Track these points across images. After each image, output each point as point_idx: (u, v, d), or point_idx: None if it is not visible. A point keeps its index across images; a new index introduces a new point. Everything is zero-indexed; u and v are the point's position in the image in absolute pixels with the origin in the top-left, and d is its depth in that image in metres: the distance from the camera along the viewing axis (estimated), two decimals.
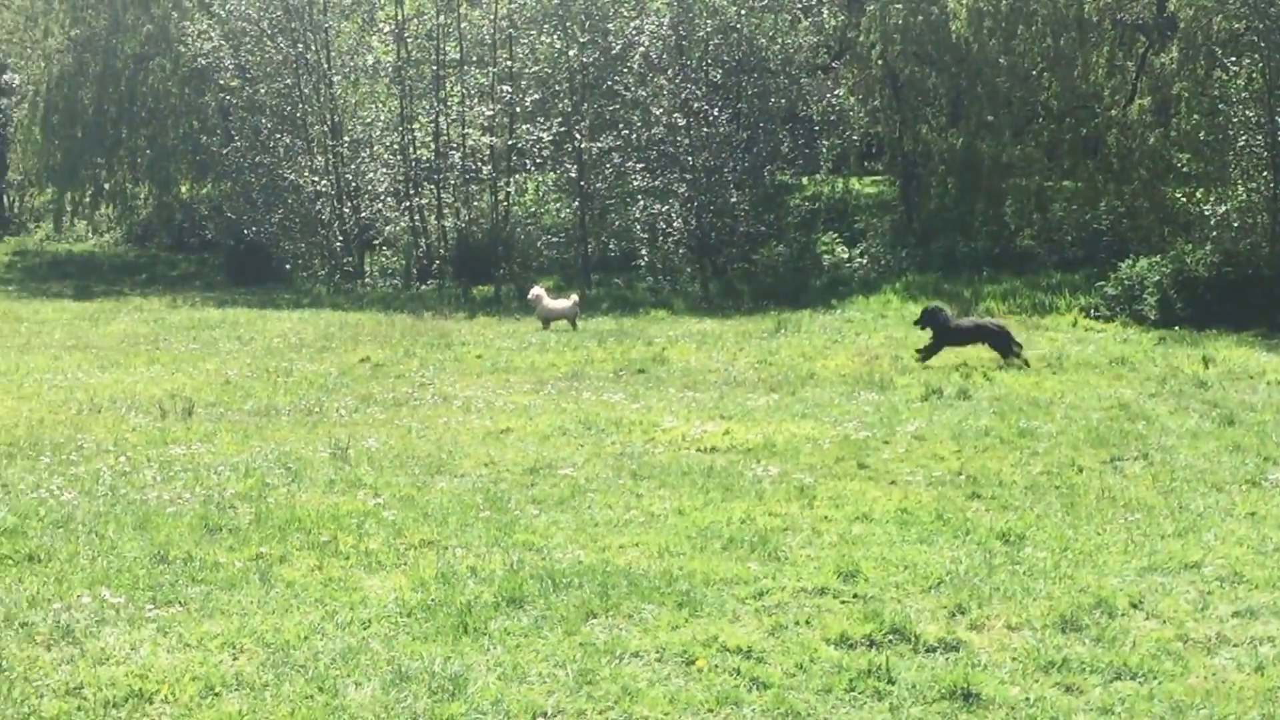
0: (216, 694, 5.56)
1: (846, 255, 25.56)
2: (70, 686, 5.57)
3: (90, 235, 40.53)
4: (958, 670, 5.85)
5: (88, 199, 38.53)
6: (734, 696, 5.60)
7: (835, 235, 26.39)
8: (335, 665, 5.87)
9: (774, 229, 25.67)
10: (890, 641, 6.23)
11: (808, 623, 6.49)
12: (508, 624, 6.43)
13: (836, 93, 28.03)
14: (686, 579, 7.11)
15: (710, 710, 5.50)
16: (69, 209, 39.45)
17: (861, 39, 27.42)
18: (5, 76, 39.41)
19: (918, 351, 15.41)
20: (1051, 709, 5.53)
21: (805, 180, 29.78)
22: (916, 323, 15.87)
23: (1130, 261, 20.20)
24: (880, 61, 27.02)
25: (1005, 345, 15.19)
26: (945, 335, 15.34)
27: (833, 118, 28.22)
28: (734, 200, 25.70)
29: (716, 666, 5.93)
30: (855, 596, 6.88)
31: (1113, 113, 25.71)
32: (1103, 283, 20.56)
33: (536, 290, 20.05)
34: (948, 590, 6.95)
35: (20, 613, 6.44)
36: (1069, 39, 25.59)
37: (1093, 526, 8.24)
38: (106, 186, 37.86)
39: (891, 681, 5.76)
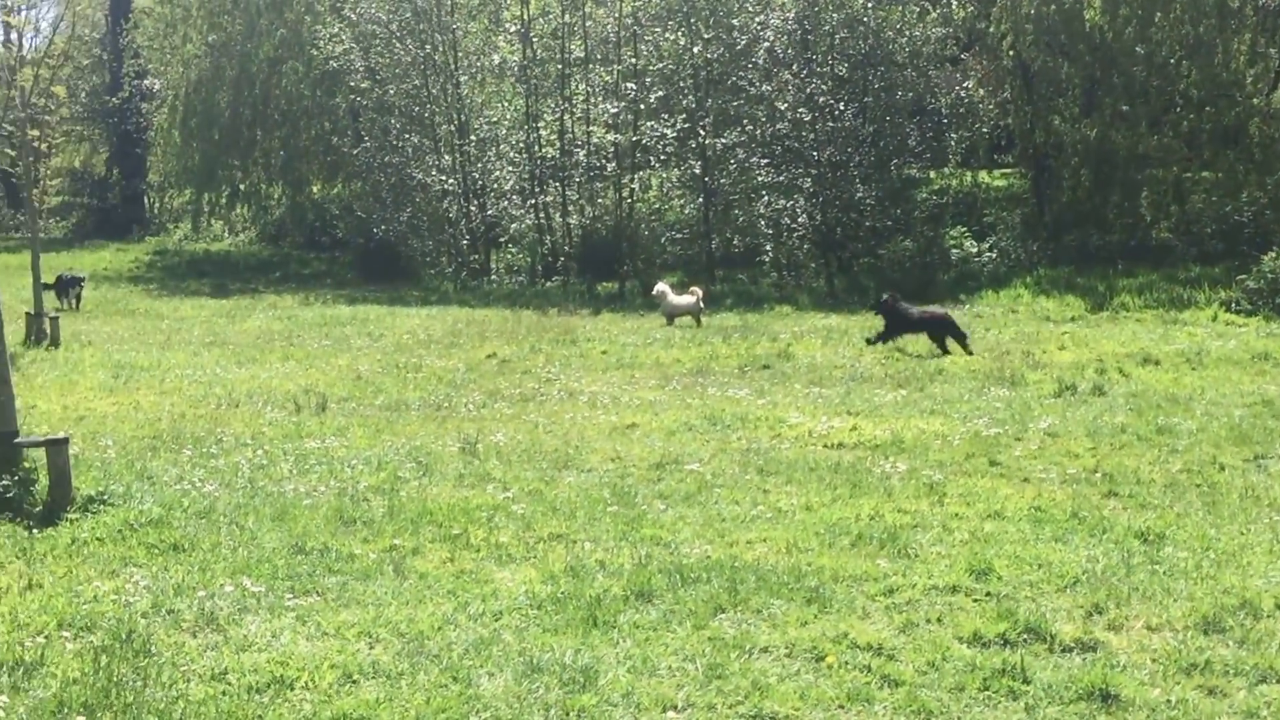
0: (354, 682, 5.66)
1: (975, 249, 25.18)
2: (215, 672, 5.71)
3: (226, 235, 41.62)
4: (1096, 671, 5.72)
5: (224, 200, 39.58)
6: (865, 694, 5.54)
7: (963, 229, 26.01)
8: (468, 655, 5.93)
9: (900, 223, 25.40)
10: (1025, 641, 6.11)
11: (939, 620, 6.39)
12: (637, 617, 6.43)
13: (965, 85, 27.62)
14: (815, 575, 7.04)
15: (841, 707, 5.45)
16: (206, 209, 40.51)
17: (991, 30, 26.96)
18: (146, 82, 40.63)
19: (867, 340, 16.46)
20: (1193, 712, 5.38)
21: (932, 174, 29.43)
22: (872, 308, 17.04)
23: (1274, 254, 19.59)
24: (1011, 52, 26.54)
25: (942, 335, 15.89)
26: (896, 323, 16.20)
27: (961, 110, 27.84)
28: (860, 195, 25.48)
29: (846, 663, 5.86)
30: (988, 595, 6.75)
31: (1255, 101, 24.93)
32: (1244, 276, 19.98)
33: (661, 286, 20.18)
34: (1084, 590, 6.79)
35: (167, 600, 6.62)
36: (1208, 26, 24.87)
37: (1236, 526, 7.99)
38: (242, 187, 38.87)
39: (1027, 681, 5.64)
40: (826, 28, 25.94)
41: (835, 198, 25.42)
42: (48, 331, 17.68)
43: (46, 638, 6.09)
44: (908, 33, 26.34)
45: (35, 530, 7.83)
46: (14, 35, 49.62)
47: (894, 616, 6.45)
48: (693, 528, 8.09)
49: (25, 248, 21.44)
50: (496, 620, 6.42)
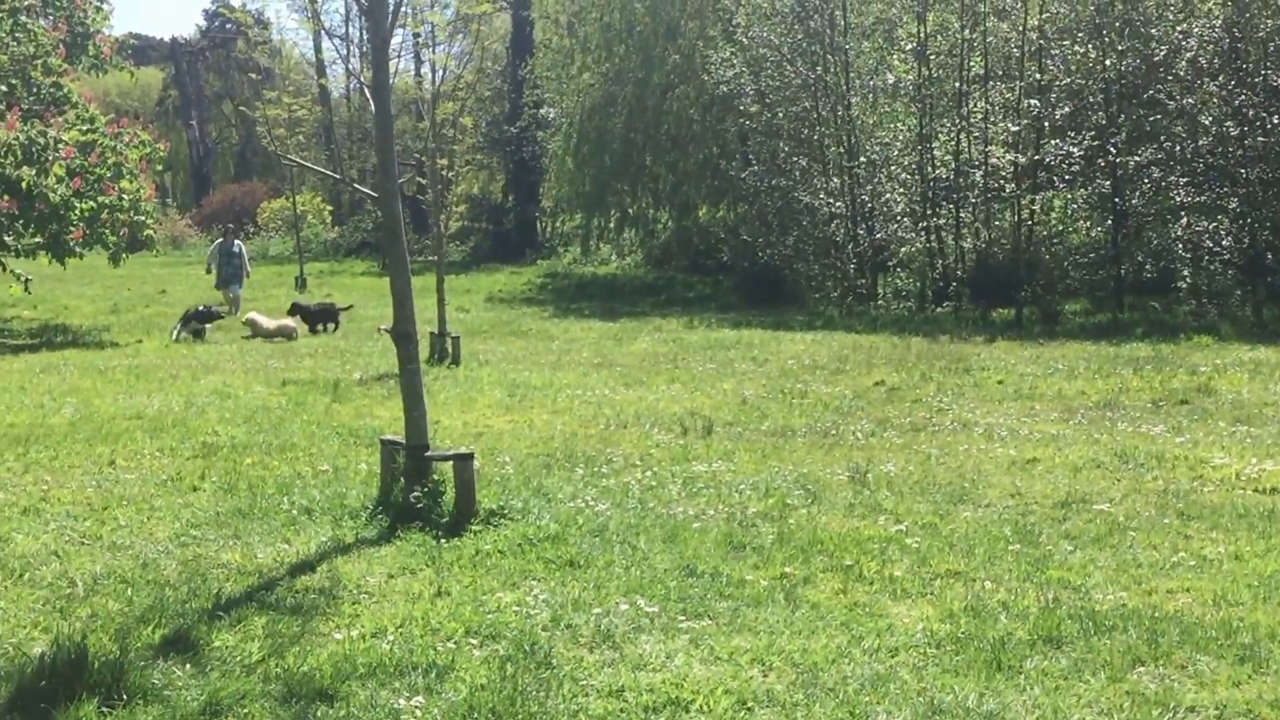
0: (749, 709, 5.54)
1: None
2: (613, 688, 5.72)
3: (613, 258, 42.99)
4: None
5: (612, 224, 40.96)
6: None
7: None
8: (864, 691, 5.70)
9: None
10: None
11: None
12: (1045, 664, 6.02)
13: None
14: (1248, 631, 6.39)
15: None
16: (595, 233, 42.03)
17: None
18: (542, 111, 42.60)
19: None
20: None
21: None
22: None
23: None
24: None
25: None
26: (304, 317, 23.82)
27: None
28: None
29: None
30: None
31: None
32: None
33: (251, 314, 24.08)
34: None
35: (565, 615, 6.71)
36: None
37: None
38: (630, 211, 40.09)
39: None
40: (1259, 34, 23.88)
41: (1265, 219, 23.39)
42: (449, 350, 18.67)
43: (456, 644, 6.29)
44: None
45: (443, 539, 8.18)
46: (426, 70, 53.38)
47: None
48: (1104, 572, 7.53)
49: (428, 270, 22.77)
50: (893, 656, 6.15)
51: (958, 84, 27.28)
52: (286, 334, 23.06)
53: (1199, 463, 10.66)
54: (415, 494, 8.64)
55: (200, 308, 24.04)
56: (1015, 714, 5.45)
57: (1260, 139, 23.35)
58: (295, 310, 24.47)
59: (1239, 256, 23.76)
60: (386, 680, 5.80)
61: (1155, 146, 24.30)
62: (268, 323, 23.40)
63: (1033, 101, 25.37)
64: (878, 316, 25.91)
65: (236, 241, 28.58)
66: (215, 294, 28.67)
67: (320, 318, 24.46)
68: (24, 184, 20.60)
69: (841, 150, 29.17)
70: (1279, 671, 5.87)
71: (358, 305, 27.66)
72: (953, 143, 27.34)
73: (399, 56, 60.31)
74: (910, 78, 28.38)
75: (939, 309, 26.24)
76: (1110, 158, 24.30)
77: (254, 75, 59.12)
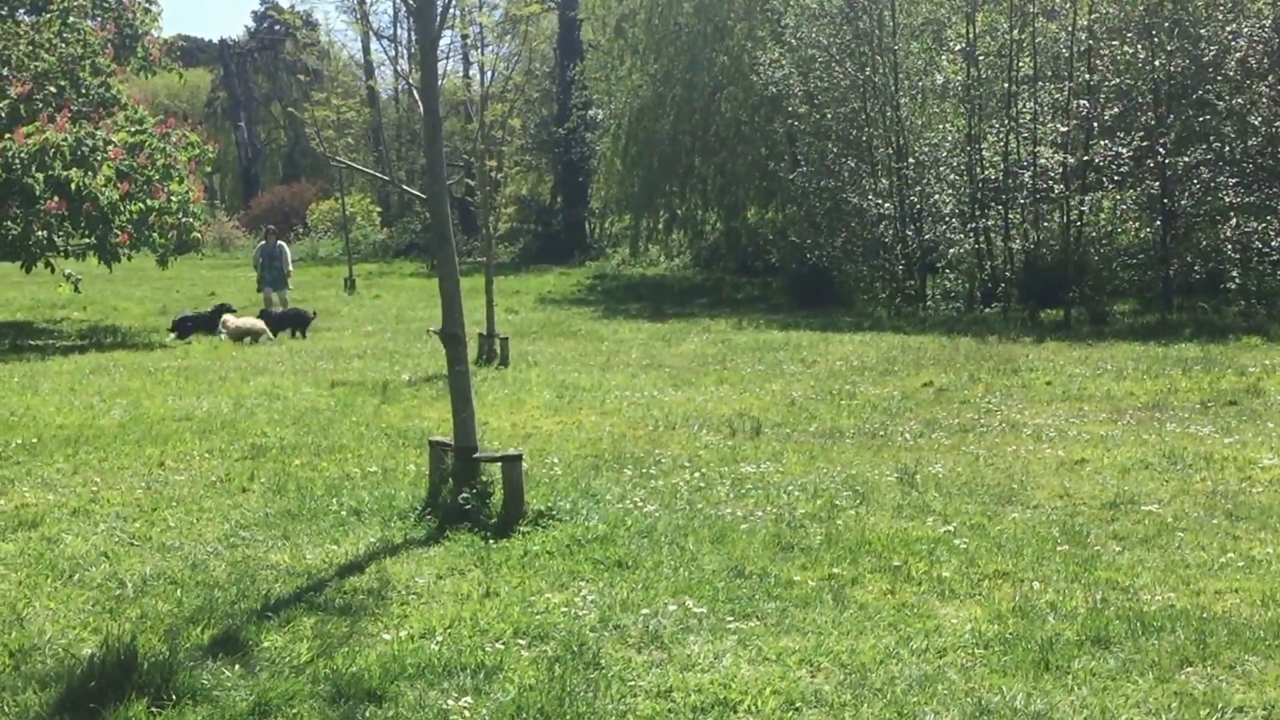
0: (797, 709, 5.56)
1: None
2: (661, 689, 5.75)
3: (662, 259, 42.96)
4: None
5: (661, 225, 40.96)
6: None
7: None
8: (912, 692, 5.71)
9: None
10: None
11: None
12: (1093, 664, 6.02)
13: None
14: None
15: None
16: (644, 235, 42.04)
17: None
18: (590, 112, 42.70)
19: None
20: None
21: None
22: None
23: None
24: None
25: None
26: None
27: None
28: None
29: None
30: None
31: None
32: None
33: (225, 316, 23.48)
34: None
35: (614, 615, 6.76)
36: None
37: None
38: (679, 213, 40.06)
39: None
40: None
41: None
42: (498, 351, 18.75)
43: (504, 644, 6.35)
44: None
45: (491, 541, 8.25)
46: (474, 72, 53.72)
47: None
48: (1153, 573, 7.51)
49: (477, 272, 22.86)
50: (940, 657, 6.17)
51: (1006, 84, 27.12)
52: (254, 333, 23.02)
53: (1247, 463, 10.59)
54: (464, 495, 8.71)
55: (206, 312, 24.23)
56: (1063, 714, 5.46)
57: None
58: (263, 316, 24.43)
59: None
60: (435, 681, 5.85)
61: (1204, 147, 24.06)
62: (236, 323, 23.32)
63: (1082, 102, 25.18)
64: (926, 318, 25.82)
65: (280, 243, 28.72)
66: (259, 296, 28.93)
67: (283, 324, 24.23)
68: (73, 185, 20.82)
69: (890, 151, 29.06)
70: None
71: (406, 306, 27.80)
72: (1001, 143, 27.17)
73: (447, 58, 60.65)
74: (959, 78, 28.24)
75: (987, 310, 26.12)
76: (1159, 158, 24.08)
77: (302, 77, 59.72)
